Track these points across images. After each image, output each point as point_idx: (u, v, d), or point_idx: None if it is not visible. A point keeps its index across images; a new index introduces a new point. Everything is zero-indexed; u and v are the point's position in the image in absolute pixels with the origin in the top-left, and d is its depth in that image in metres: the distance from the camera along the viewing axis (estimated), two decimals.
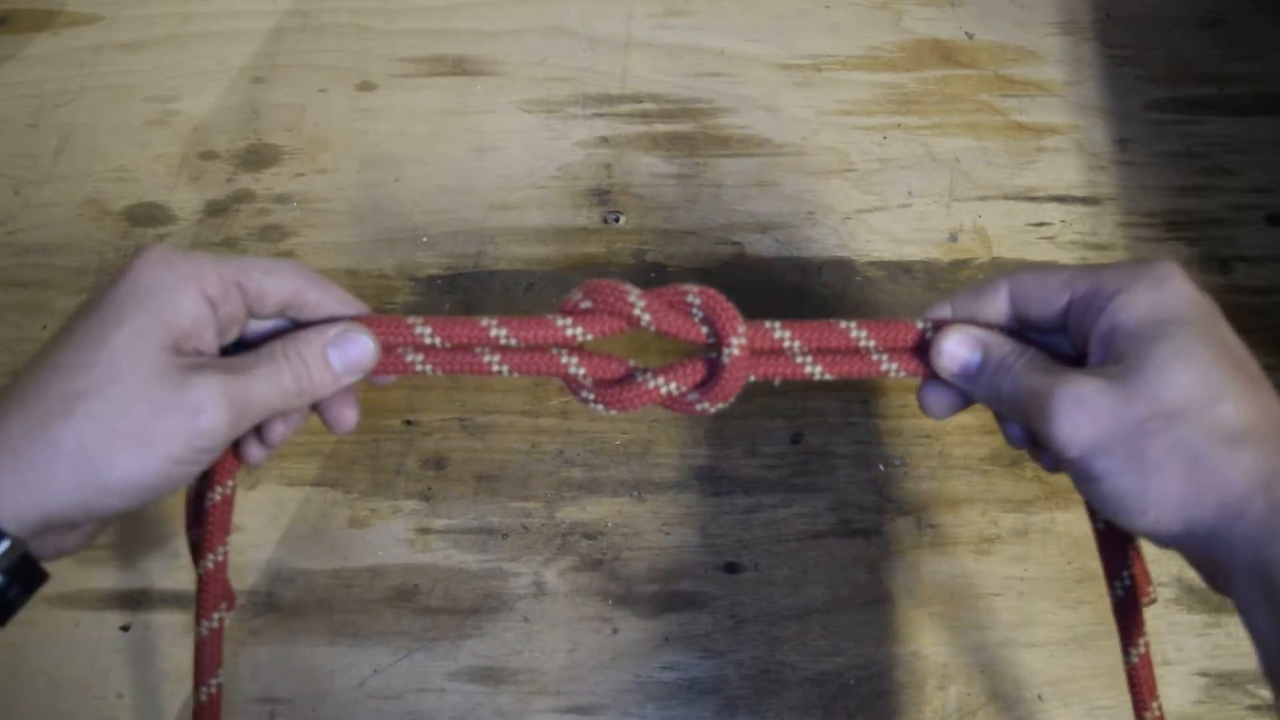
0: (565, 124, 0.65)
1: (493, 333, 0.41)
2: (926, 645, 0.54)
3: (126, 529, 0.56)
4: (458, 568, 0.56)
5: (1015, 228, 0.62)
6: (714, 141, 0.64)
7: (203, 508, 0.43)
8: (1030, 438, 0.40)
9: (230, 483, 0.43)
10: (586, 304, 0.42)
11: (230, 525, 0.44)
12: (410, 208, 0.63)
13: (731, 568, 0.56)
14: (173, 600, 0.55)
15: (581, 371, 0.42)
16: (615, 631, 0.55)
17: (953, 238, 0.62)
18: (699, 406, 0.42)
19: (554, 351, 0.42)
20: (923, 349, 0.41)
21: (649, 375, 0.42)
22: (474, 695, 0.54)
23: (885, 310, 0.60)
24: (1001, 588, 0.55)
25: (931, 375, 0.41)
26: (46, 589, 0.55)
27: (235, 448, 0.43)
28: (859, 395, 0.58)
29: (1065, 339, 0.40)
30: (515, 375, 0.43)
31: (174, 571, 0.55)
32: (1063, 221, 0.62)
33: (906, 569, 0.55)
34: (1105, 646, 0.54)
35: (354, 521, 0.56)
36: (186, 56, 0.67)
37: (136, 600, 0.55)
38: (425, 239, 0.62)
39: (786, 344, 0.42)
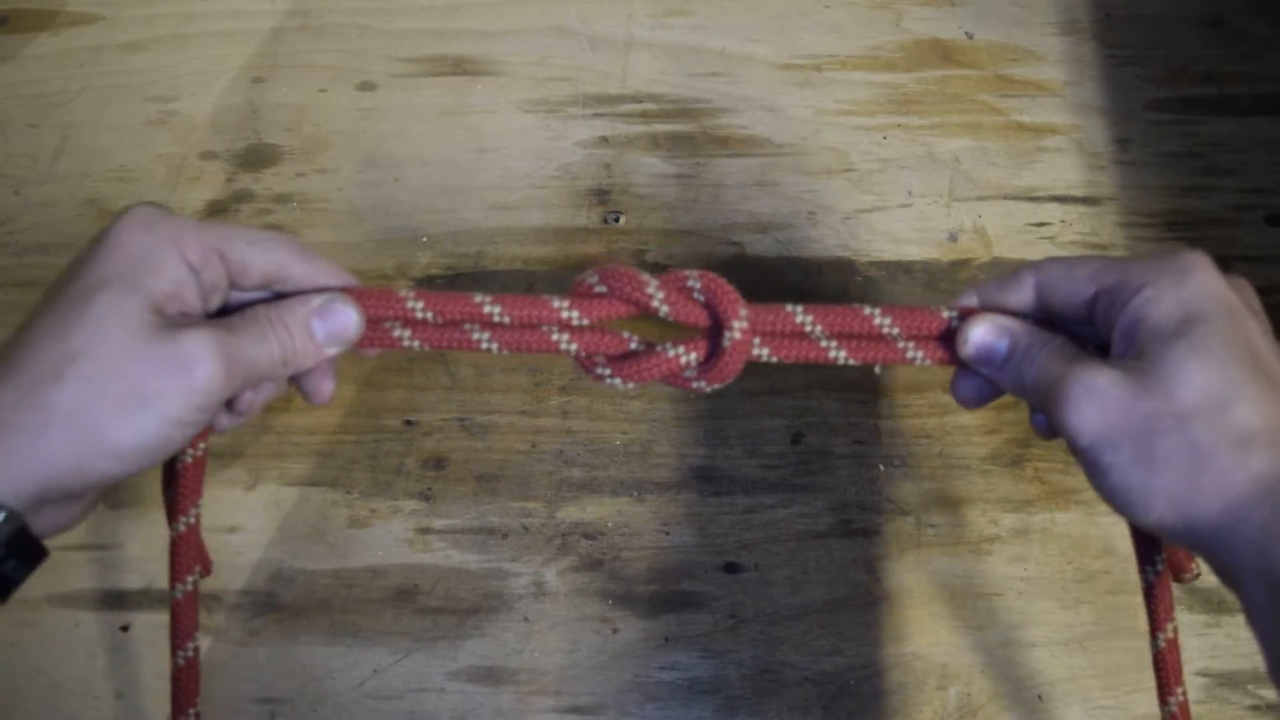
0: (565, 124, 0.65)
1: (486, 309, 0.41)
2: (926, 645, 0.54)
3: (127, 529, 0.56)
4: (458, 568, 0.56)
5: (1015, 228, 0.62)
6: (714, 141, 0.64)
7: (175, 470, 0.43)
8: (1052, 427, 0.40)
9: (201, 445, 0.42)
10: (601, 288, 0.41)
11: (202, 488, 0.43)
12: (410, 208, 0.63)
13: (731, 568, 0.56)
14: None
15: (574, 348, 0.41)
16: (615, 631, 0.55)
17: (953, 238, 0.62)
18: (696, 384, 0.42)
19: (545, 329, 0.41)
20: (948, 337, 0.41)
21: (666, 346, 0.41)
22: (474, 695, 0.54)
23: None
24: (1001, 588, 0.55)
25: (956, 363, 0.41)
26: (47, 589, 0.55)
27: None
28: (859, 395, 0.58)
29: (1092, 329, 0.40)
30: (505, 353, 0.42)
31: None
32: (1063, 221, 0.62)
33: (906, 569, 0.55)
34: (1105, 646, 0.54)
35: (354, 521, 0.56)
36: (186, 56, 0.67)
37: (136, 600, 0.55)
38: (425, 239, 0.62)
39: (809, 327, 0.42)
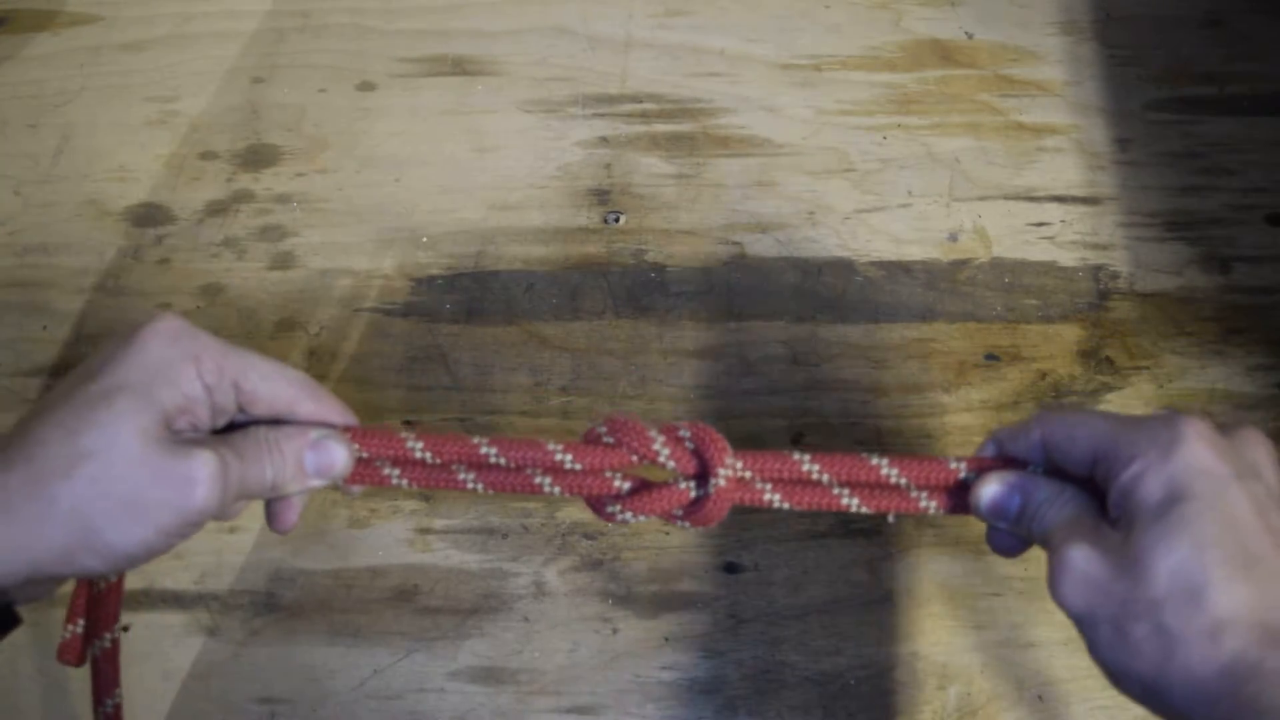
0: (565, 124, 0.65)
1: (483, 450, 0.42)
2: (926, 645, 0.54)
3: None
4: (458, 568, 0.56)
5: (1015, 227, 0.62)
6: (714, 141, 0.64)
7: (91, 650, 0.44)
8: None
9: (110, 634, 0.45)
10: (609, 439, 0.43)
11: (119, 677, 0.45)
12: (410, 208, 0.63)
13: (731, 568, 0.56)
14: (173, 600, 0.55)
15: (557, 490, 0.42)
16: (615, 631, 0.55)
17: (953, 238, 0.62)
18: (680, 524, 0.44)
19: (530, 473, 0.42)
20: (960, 489, 0.42)
21: (678, 479, 0.43)
22: (474, 695, 0.54)
23: (885, 310, 0.60)
24: (1001, 588, 0.55)
25: (970, 512, 0.42)
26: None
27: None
28: (859, 395, 0.58)
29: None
30: (490, 493, 0.44)
31: (174, 572, 0.55)
32: (1063, 221, 0.62)
33: (906, 569, 0.55)
34: None
35: (354, 521, 0.56)
36: (186, 56, 0.67)
37: (136, 600, 0.55)
38: (425, 239, 0.62)
39: (816, 475, 0.43)
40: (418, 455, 0.42)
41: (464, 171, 0.64)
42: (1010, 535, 0.42)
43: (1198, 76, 0.66)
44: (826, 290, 0.61)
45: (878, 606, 0.55)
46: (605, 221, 0.62)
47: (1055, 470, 0.41)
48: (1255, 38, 0.67)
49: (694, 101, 0.65)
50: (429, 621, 0.55)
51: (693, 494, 0.43)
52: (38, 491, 0.35)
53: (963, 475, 0.42)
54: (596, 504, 0.43)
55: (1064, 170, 0.63)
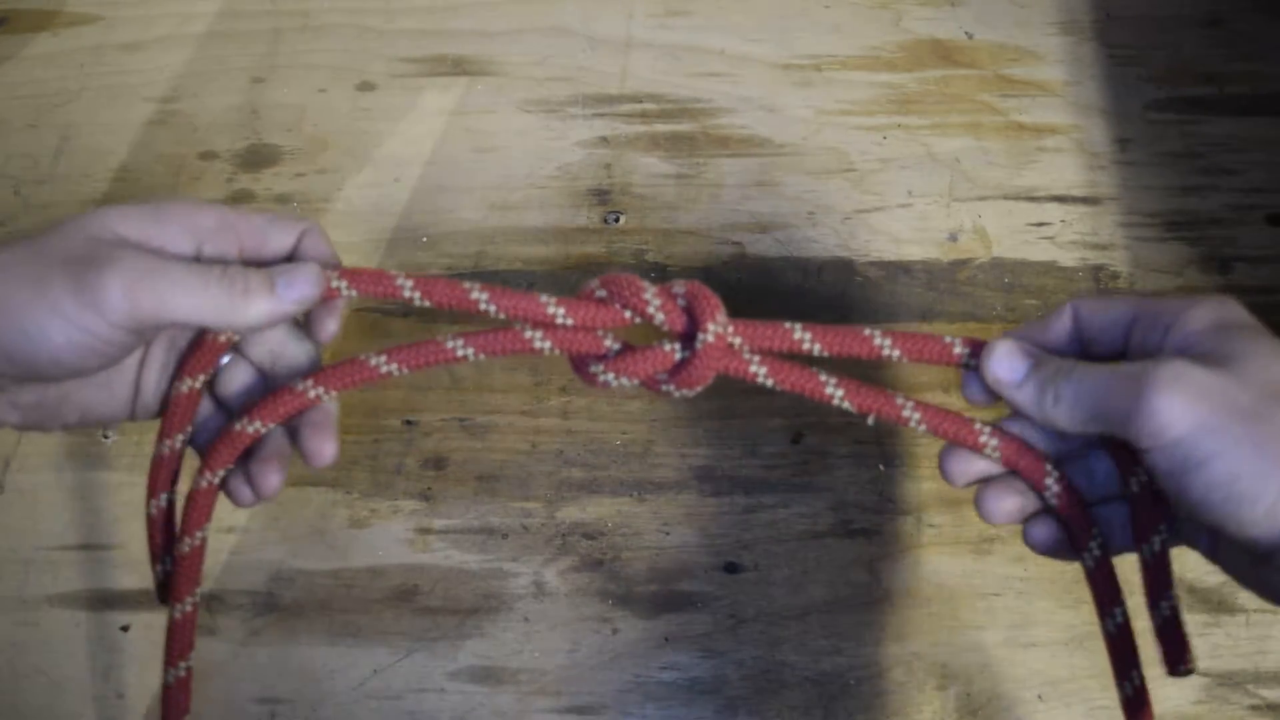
0: (565, 124, 0.65)
1: (474, 296, 0.41)
2: (926, 645, 0.54)
3: (127, 529, 0.56)
4: (458, 568, 0.56)
5: (1015, 228, 0.62)
6: (714, 141, 0.64)
7: (171, 552, 0.44)
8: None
9: (199, 533, 0.43)
10: (602, 293, 0.41)
11: (193, 640, 0.45)
12: (410, 208, 0.63)
13: (731, 568, 0.56)
14: None
15: (548, 345, 0.41)
16: (615, 631, 0.55)
17: (953, 238, 0.62)
18: (664, 388, 0.42)
19: (517, 327, 0.41)
20: (961, 366, 0.40)
21: (661, 342, 0.41)
22: (474, 695, 0.54)
23: (885, 310, 0.60)
24: (1001, 588, 0.55)
25: (955, 439, 0.40)
26: (47, 589, 0.55)
27: (225, 486, 0.43)
28: None
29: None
30: (480, 357, 0.42)
31: None
32: (1063, 221, 0.62)
33: (906, 569, 0.55)
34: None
35: (354, 521, 0.56)
36: (186, 56, 0.67)
37: (136, 600, 0.55)
38: (425, 239, 0.62)
39: (807, 344, 0.41)
40: (407, 294, 0.41)
41: (464, 171, 0.64)
42: (967, 457, 0.40)
43: (1198, 76, 0.66)
44: (826, 290, 0.61)
45: (878, 606, 0.55)
46: (605, 221, 0.62)
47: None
48: (1255, 38, 0.67)
49: (694, 101, 0.65)
50: (429, 621, 0.55)
51: (678, 356, 0.41)
52: None
53: (958, 350, 0.40)
54: (581, 364, 0.42)
55: (1064, 170, 0.63)
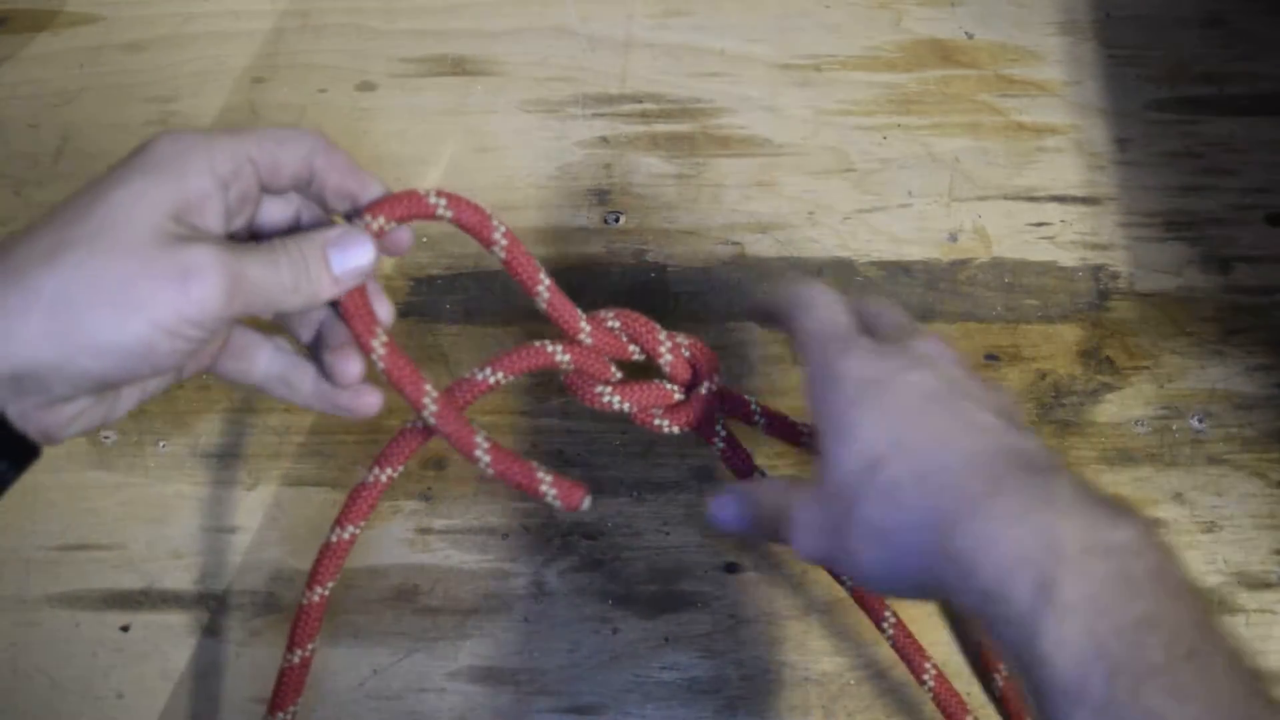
0: (565, 124, 0.65)
1: (496, 235, 0.44)
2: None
3: (128, 529, 0.56)
4: (458, 568, 0.56)
5: (1015, 228, 0.62)
6: (714, 141, 0.64)
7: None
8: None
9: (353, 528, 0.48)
10: (614, 324, 0.46)
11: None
12: None
13: (731, 568, 0.56)
14: (173, 600, 0.55)
15: (567, 359, 0.46)
16: (615, 631, 0.55)
17: (953, 238, 0.62)
18: (656, 422, 0.48)
19: (538, 344, 0.45)
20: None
21: (662, 380, 0.48)
22: (474, 695, 0.54)
23: None
24: None
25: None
26: (47, 589, 0.55)
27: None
28: None
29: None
30: (509, 378, 0.47)
31: (174, 571, 0.55)
32: (1063, 221, 0.62)
33: None
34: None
35: None
36: (186, 56, 0.67)
37: (136, 600, 0.55)
38: (425, 239, 0.62)
39: (757, 418, 0.50)
40: (440, 212, 0.43)
41: (464, 171, 0.64)
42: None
43: (1198, 76, 0.66)
44: None
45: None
46: (605, 221, 0.62)
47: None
48: (1255, 38, 0.67)
49: (694, 101, 0.65)
50: (429, 621, 0.55)
51: (677, 397, 0.48)
52: (17, 281, 0.32)
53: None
54: (584, 384, 0.47)
55: (1064, 170, 0.63)
